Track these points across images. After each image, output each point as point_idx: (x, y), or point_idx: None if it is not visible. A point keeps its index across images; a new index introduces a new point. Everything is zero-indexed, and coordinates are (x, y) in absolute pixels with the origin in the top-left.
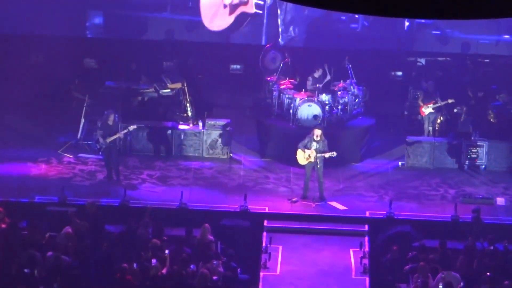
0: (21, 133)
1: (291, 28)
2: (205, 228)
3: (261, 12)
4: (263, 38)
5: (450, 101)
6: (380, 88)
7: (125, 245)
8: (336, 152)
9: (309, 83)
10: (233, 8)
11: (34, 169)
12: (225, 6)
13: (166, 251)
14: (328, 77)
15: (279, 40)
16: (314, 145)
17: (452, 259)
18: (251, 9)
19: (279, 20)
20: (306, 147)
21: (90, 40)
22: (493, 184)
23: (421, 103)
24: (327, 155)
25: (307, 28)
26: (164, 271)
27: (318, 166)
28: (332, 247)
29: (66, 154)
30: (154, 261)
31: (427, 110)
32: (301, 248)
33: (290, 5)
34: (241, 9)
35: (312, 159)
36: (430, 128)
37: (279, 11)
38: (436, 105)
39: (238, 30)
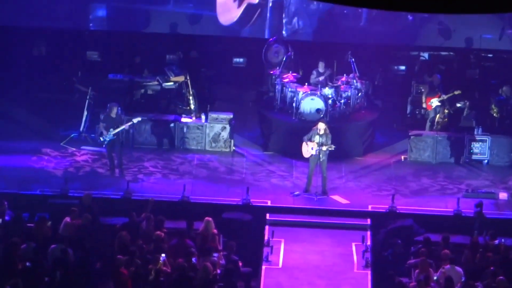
0: (24, 125)
1: (294, 20)
2: (209, 221)
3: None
4: (266, 31)
5: (456, 92)
6: (383, 82)
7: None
8: (339, 146)
9: (312, 76)
10: (240, 1)
11: (36, 162)
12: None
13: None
14: (329, 71)
15: (283, 32)
16: (317, 138)
17: (456, 253)
18: None
19: (283, 13)
20: (310, 140)
21: (93, 32)
22: (495, 178)
23: (425, 97)
24: (324, 148)
25: (311, 21)
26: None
27: (321, 160)
28: (335, 241)
29: (69, 147)
30: (163, 256)
31: (434, 103)
32: (303, 242)
33: None
34: (246, 1)
35: (314, 152)
36: (435, 122)
37: (284, 3)
38: (441, 98)
39: (248, 24)
